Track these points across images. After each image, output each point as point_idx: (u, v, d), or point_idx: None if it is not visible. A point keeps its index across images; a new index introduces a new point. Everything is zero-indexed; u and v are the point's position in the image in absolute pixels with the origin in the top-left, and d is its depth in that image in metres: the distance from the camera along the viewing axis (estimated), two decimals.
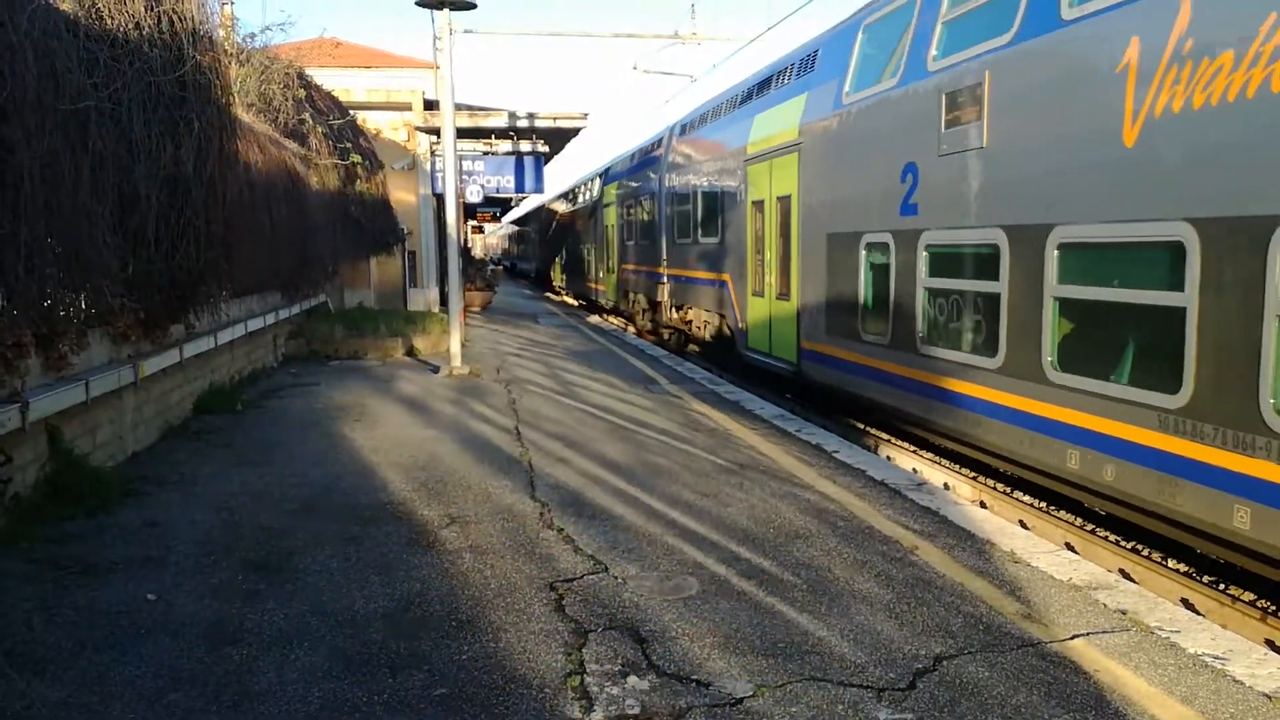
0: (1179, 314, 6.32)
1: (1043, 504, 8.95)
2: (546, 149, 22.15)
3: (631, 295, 24.40)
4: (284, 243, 12.63)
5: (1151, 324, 6.79)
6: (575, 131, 22.47)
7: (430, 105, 20.95)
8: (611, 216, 27.32)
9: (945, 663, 4.41)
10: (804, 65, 13.09)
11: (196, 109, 7.90)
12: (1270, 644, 6.07)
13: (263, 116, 13.54)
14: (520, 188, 21.42)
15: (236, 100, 10.70)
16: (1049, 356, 7.72)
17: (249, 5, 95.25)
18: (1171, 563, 7.54)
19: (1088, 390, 7.25)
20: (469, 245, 42.78)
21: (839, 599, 5.18)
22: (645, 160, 23.03)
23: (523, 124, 21.11)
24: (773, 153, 13.49)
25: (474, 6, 13.19)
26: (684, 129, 19.60)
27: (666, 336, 20.83)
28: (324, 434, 9.51)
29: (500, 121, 21.24)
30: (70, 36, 6.28)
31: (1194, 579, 7.20)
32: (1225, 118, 5.98)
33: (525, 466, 8.09)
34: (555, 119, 21.36)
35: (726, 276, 16.01)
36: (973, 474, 9.89)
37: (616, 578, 5.45)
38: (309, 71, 17.13)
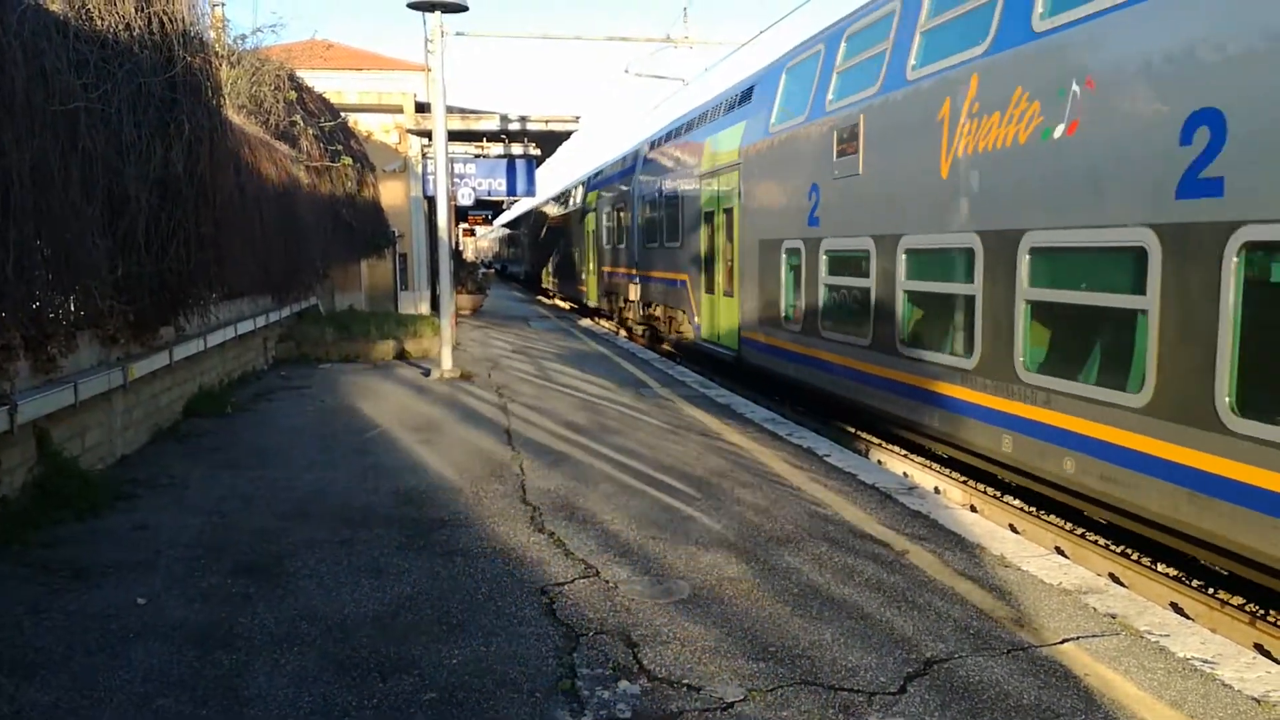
0: (973, 300, 8.63)
1: (1033, 509, 8.98)
2: (538, 152, 22.16)
3: (611, 295, 26.41)
4: (274, 245, 12.60)
5: (960, 309, 9.03)
6: (567, 134, 22.49)
7: (422, 108, 20.94)
8: (593, 222, 29.19)
9: (936, 666, 4.42)
10: (744, 97, 15.46)
11: (187, 111, 7.88)
12: (1259, 648, 6.10)
13: (253, 118, 13.52)
14: (512, 190, 21.46)
15: (227, 102, 10.67)
16: (902, 336, 10.05)
17: (240, 7, 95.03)
18: (1161, 567, 7.57)
19: (923, 360, 9.61)
20: (460, 248, 42.68)
21: (830, 602, 5.19)
22: (622, 171, 24.97)
23: (514, 127, 21.12)
24: (720, 170, 15.76)
25: (465, 9, 13.19)
26: (653, 145, 21.73)
27: (641, 332, 22.62)
28: (314, 437, 9.49)
29: (492, 124, 21.24)
30: (60, 37, 6.26)
31: (1183, 583, 7.23)
32: (993, 160, 8.33)
33: (517, 470, 8.08)
34: (547, 122, 21.37)
35: (685, 277, 18.32)
36: (963, 478, 9.92)
37: (608, 581, 5.45)
38: (300, 74, 17.11)
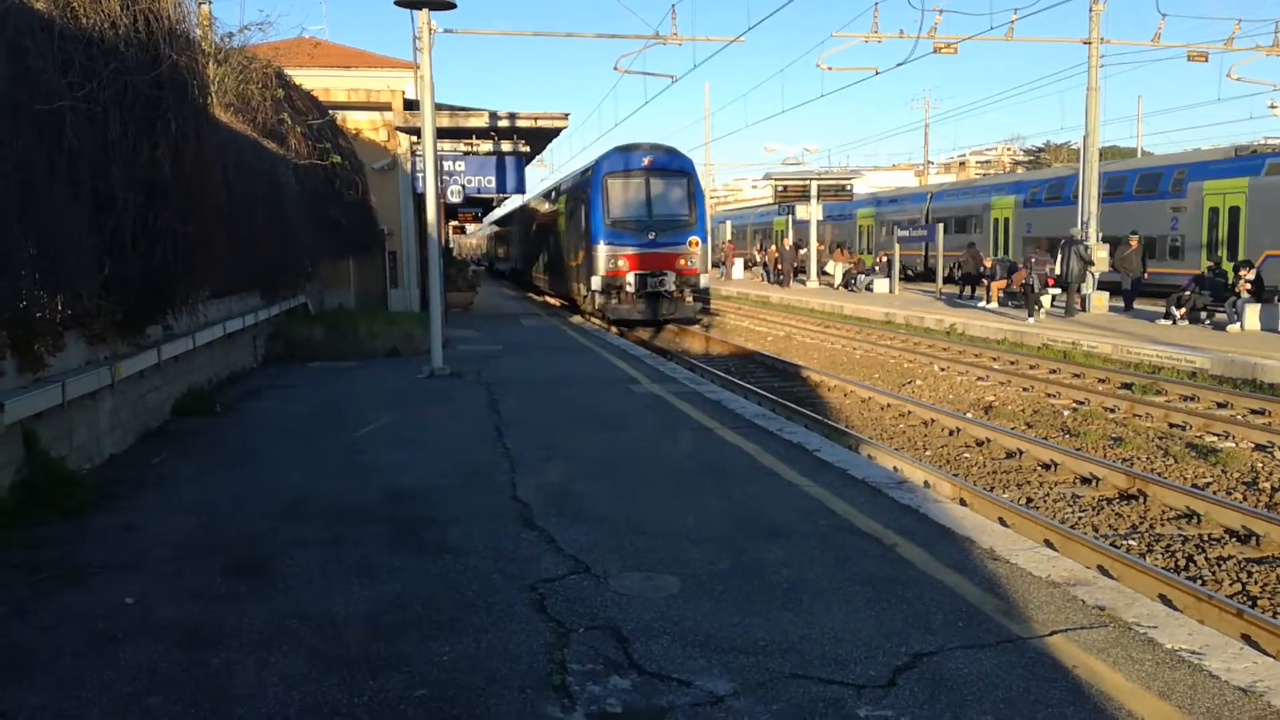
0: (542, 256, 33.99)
1: (1023, 501, 9.02)
2: (528, 149, 22.07)
3: (540, 276, 42.16)
4: (262, 243, 12.56)
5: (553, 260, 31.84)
6: (556, 131, 22.41)
7: (411, 105, 20.85)
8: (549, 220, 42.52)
9: (925, 659, 4.43)
10: (552, 190, 34.13)
11: (173, 109, 7.83)
12: (1247, 639, 6.13)
13: (241, 116, 13.45)
14: (501, 188, 21.31)
15: (214, 100, 10.63)
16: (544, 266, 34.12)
17: (227, 4, 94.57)
18: (1149, 559, 7.61)
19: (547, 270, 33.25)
20: (450, 246, 42.60)
21: (820, 596, 5.20)
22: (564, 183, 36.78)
23: (504, 124, 21.02)
24: (542, 213, 36.36)
25: (453, 6, 13.13)
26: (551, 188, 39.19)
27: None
28: (303, 436, 9.46)
29: (481, 122, 21.12)
30: (45, 36, 6.21)
31: (1172, 575, 7.26)
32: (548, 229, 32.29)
33: (507, 467, 8.08)
34: (536, 119, 21.28)
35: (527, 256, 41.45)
36: (953, 472, 9.96)
37: (598, 577, 5.45)
38: (288, 71, 17.01)
